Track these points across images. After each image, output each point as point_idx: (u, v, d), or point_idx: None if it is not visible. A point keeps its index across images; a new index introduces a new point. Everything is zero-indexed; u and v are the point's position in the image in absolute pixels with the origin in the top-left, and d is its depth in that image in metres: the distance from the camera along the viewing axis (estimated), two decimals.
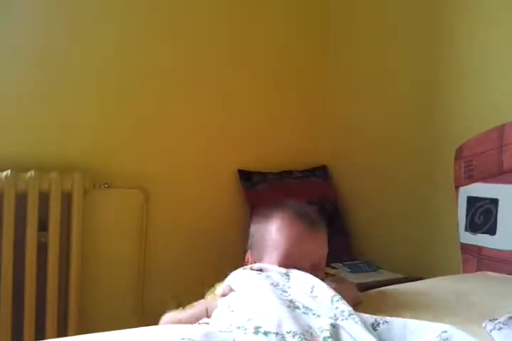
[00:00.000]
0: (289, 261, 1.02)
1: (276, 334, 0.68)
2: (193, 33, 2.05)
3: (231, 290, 0.94)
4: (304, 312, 0.76)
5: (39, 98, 1.80)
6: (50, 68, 1.81)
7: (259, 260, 1.07)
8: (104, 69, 1.91)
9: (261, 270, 0.99)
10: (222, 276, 1.05)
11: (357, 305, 1.02)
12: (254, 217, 1.17)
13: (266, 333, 0.68)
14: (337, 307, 0.81)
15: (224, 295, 0.93)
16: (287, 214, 1.08)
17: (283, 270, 0.96)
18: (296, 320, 0.72)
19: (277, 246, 1.05)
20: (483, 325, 0.97)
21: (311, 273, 0.96)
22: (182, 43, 2.04)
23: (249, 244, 1.15)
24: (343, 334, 0.71)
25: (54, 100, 1.82)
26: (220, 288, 0.99)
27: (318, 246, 1.08)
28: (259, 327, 0.70)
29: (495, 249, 1.58)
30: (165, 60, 2.02)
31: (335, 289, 0.88)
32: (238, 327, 0.71)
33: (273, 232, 1.07)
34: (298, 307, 0.78)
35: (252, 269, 1.00)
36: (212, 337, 0.69)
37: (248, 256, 1.14)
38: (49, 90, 1.81)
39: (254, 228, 1.15)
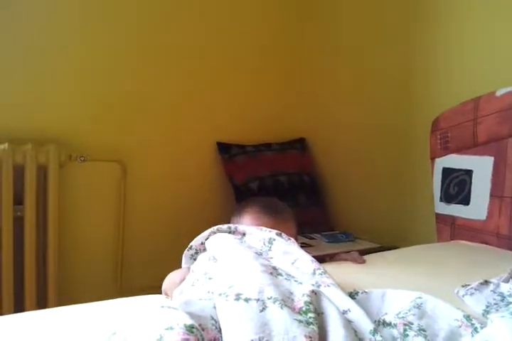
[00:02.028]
0: None
1: (257, 300, 0.69)
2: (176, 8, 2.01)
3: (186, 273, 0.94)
4: (287, 279, 0.78)
5: (13, 69, 1.75)
6: (26, 42, 1.75)
7: None
8: (82, 44, 1.85)
9: (244, 234, 1.01)
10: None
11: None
12: (234, 211, 1.24)
13: (247, 300, 0.69)
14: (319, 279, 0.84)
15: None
16: (254, 209, 1.17)
17: (267, 235, 0.97)
18: (278, 286, 0.73)
19: None
20: (456, 290, 1.00)
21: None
22: (161, 21, 2.00)
23: None
24: (324, 300, 0.72)
25: (29, 71, 1.77)
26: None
27: None
28: (241, 294, 0.70)
29: (468, 219, 1.62)
30: (143, 35, 1.97)
31: None
32: (220, 294, 0.71)
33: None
34: (281, 274, 0.79)
35: (236, 230, 1.02)
36: (192, 305, 0.70)
37: None
38: (24, 62, 1.76)
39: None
